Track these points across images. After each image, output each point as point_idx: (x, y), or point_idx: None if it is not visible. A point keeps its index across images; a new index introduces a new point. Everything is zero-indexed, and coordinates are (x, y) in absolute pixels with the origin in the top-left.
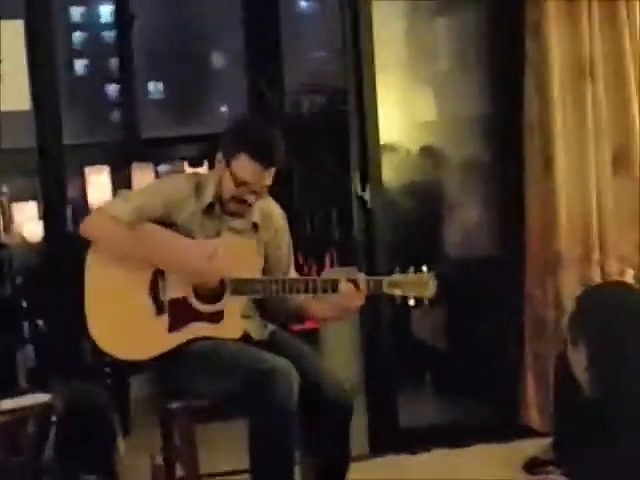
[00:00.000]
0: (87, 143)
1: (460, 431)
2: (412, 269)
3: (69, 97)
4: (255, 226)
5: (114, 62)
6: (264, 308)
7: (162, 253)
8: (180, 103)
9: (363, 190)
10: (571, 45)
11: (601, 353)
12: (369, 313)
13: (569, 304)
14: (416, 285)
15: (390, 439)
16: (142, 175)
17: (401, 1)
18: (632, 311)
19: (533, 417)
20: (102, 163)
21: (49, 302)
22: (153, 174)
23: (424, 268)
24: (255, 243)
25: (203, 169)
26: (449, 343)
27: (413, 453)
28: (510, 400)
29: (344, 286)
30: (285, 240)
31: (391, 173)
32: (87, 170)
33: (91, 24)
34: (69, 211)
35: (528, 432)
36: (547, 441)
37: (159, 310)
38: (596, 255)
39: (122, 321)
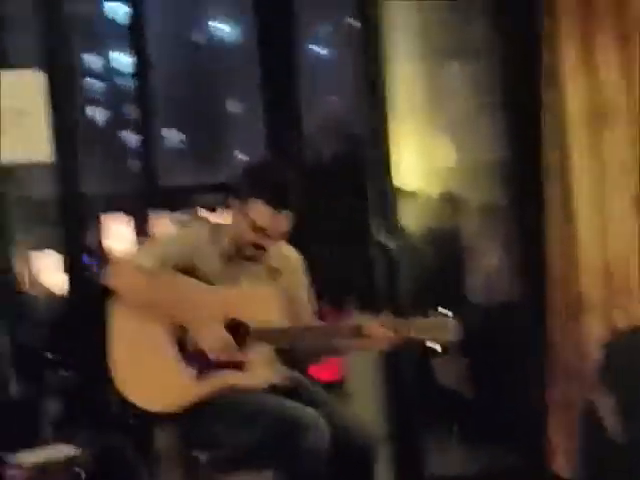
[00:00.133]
0: (105, 192)
1: (486, 479)
2: (435, 313)
3: (87, 146)
4: (274, 271)
5: (131, 110)
6: (286, 352)
7: (183, 302)
8: (198, 150)
9: (383, 236)
10: (589, 91)
11: (631, 399)
12: (392, 362)
13: (592, 349)
14: (440, 329)
15: None
16: (160, 223)
17: (416, 46)
18: None
19: (559, 463)
20: (120, 212)
21: (73, 353)
22: (171, 222)
23: (447, 312)
24: (276, 289)
25: (219, 215)
26: (473, 390)
27: None
28: (536, 447)
29: (374, 330)
30: (304, 284)
31: (411, 219)
32: (105, 219)
33: (108, 73)
34: (89, 260)
35: (554, 479)
36: None
37: (185, 360)
38: (619, 299)
39: (148, 372)
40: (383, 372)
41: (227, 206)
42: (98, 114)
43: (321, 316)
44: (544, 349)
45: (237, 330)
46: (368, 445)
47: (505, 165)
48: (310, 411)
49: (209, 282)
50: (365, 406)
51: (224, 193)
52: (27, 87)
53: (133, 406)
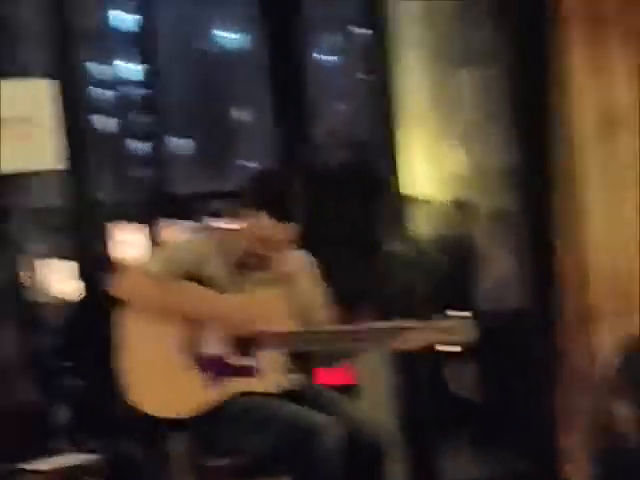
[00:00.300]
0: (115, 201)
1: None
2: (452, 314)
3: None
4: (285, 276)
5: (140, 119)
6: (298, 356)
7: (193, 309)
8: (207, 159)
9: (393, 244)
10: (598, 96)
11: None
12: (404, 368)
13: (603, 357)
14: (459, 329)
15: None
16: (170, 231)
17: (424, 54)
18: None
19: (570, 470)
20: (130, 220)
21: (85, 361)
22: (181, 231)
23: (465, 313)
24: (285, 294)
25: (228, 223)
26: (485, 396)
27: None
28: (547, 453)
29: (406, 333)
30: (317, 287)
31: (421, 226)
32: (115, 227)
33: (117, 82)
34: (100, 269)
35: None
36: None
37: (196, 367)
38: (631, 307)
39: (159, 380)
40: (395, 377)
41: (234, 215)
42: (107, 123)
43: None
44: (555, 356)
45: (248, 336)
46: (381, 449)
47: (515, 172)
48: (323, 416)
49: (220, 290)
50: (377, 410)
51: (232, 201)
52: (37, 96)
53: (145, 414)
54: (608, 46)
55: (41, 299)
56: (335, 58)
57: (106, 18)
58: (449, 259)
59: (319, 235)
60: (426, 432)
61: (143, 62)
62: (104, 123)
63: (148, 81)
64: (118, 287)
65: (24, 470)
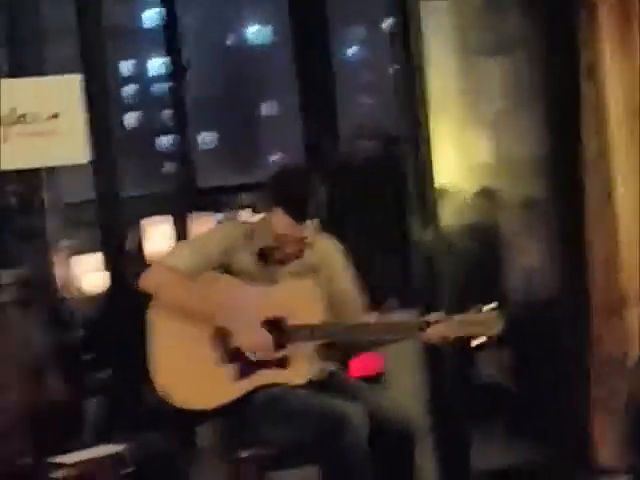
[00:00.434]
0: (144, 195)
1: (532, 472)
2: (481, 307)
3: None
4: (313, 266)
5: (168, 114)
6: (326, 346)
7: (223, 301)
8: (234, 153)
9: (422, 234)
10: (628, 84)
11: None
12: (434, 356)
13: (635, 343)
14: (487, 323)
15: None
16: (200, 225)
17: (451, 43)
18: None
19: (604, 456)
20: (160, 214)
21: (112, 354)
22: (210, 223)
23: (493, 305)
24: (315, 285)
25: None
26: (518, 384)
27: None
28: (579, 440)
29: (433, 330)
30: (348, 275)
31: (449, 216)
32: (145, 222)
33: (143, 77)
34: (130, 263)
35: (600, 472)
36: None
37: (225, 359)
38: None
39: (188, 372)
40: (424, 365)
41: (260, 209)
42: (135, 118)
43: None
44: (587, 344)
45: (277, 327)
46: (410, 438)
47: (544, 160)
48: (352, 405)
49: (248, 281)
50: (407, 399)
51: (259, 194)
52: (65, 93)
53: (174, 406)
54: (638, 32)
55: (72, 294)
56: (362, 50)
57: (134, 14)
58: (478, 248)
59: (347, 227)
60: (457, 421)
61: (170, 57)
62: (132, 118)
63: (175, 76)
64: (146, 282)
65: (54, 464)
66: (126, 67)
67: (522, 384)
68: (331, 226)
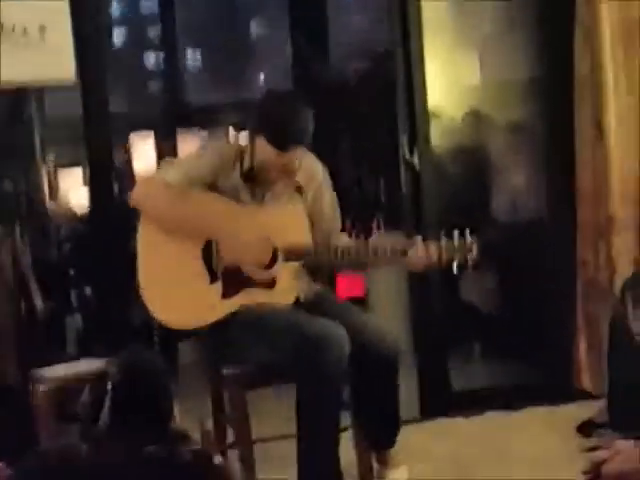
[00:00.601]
0: (132, 111)
1: (512, 394)
2: (457, 233)
3: (113, 66)
4: (299, 188)
5: (156, 30)
6: (312, 266)
7: (212, 220)
8: (222, 71)
9: (411, 154)
10: (624, 8)
11: None
12: (417, 278)
13: (622, 266)
14: (463, 249)
15: (441, 403)
16: (187, 142)
17: None
18: None
19: (585, 380)
20: (148, 130)
21: (96, 269)
22: (198, 141)
23: (469, 231)
24: (301, 207)
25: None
26: (501, 307)
27: (465, 417)
28: (562, 363)
29: (414, 253)
30: (328, 195)
31: (439, 137)
32: (133, 137)
33: None
34: (115, 178)
35: (580, 395)
36: (600, 404)
37: (213, 278)
38: None
39: (175, 290)
40: (407, 287)
41: (240, 129)
42: (123, 34)
43: (349, 233)
44: (573, 267)
45: (265, 248)
46: (393, 358)
47: (536, 83)
48: (334, 325)
49: (236, 201)
50: (388, 321)
51: (246, 113)
52: (53, 6)
53: (159, 322)
54: None
55: (56, 208)
56: None
57: None
58: (467, 170)
59: (333, 148)
60: (440, 342)
61: None
62: (120, 35)
63: None
64: (136, 197)
65: (37, 377)
66: None
67: (506, 306)
68: (322, 145)
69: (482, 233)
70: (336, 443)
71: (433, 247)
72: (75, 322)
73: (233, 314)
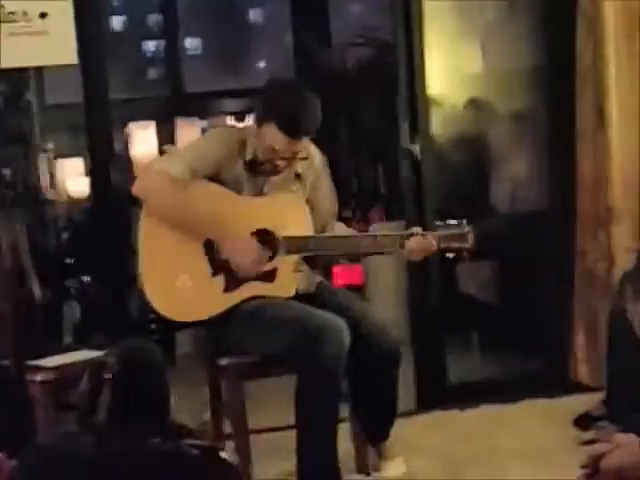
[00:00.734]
0: (131, 99)
1: (509, 386)
2: (453, 223)
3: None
4: (298, 176)
5: (155, 18)
6: (311, 257)
7: (214, 210)
8: (222, 58)
9: (411, 143)
10: None
11: None
12: (415, 268)
13: (621, 257)
14: (459, 238)
15: (438, 395)
16: (186, 130)
17: None
18: None
19: (583, 372)
20: (147, 118)
21: (95, 258)
22: (197, 129)
23: (464, 220)
24: (302, 197)
25: (247, 123)
26: (499, 298)
27: (461, 409)
28: (560, 355)
29: (413, 244)
30: (326, 184)
31: (439, 126)
32: (131, 126)
33: None
34: (116, 167)
35: (578, 387)
36: (597, 396)
37: (214, 271)
38: None
39: (176, 283)
40: (406, 278)
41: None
42: (123, 22)
43: (348, 225)
44: (572, 258)
45: (265, 240)
46: (391, 349)
47: (538, 71)
48: (334, 318)
49: (237, 191)
50: (386, 310)
51: (246, 101)
52: None
53: (158, 314)
54: None
55: (54, 196)
56: None
57: None
58: (467, 159)
59: (333, 137)
60: (437, 334)
61: None
62: (120, 22)
63: None
64: (140, 189)
65: (34, 367)
66: None
67: (504, 297)
68: (322, 134)
69: (481, 222)
70: (334, 435)
71: (430, 237)
72: (73, 311)
73: (233, 306)
